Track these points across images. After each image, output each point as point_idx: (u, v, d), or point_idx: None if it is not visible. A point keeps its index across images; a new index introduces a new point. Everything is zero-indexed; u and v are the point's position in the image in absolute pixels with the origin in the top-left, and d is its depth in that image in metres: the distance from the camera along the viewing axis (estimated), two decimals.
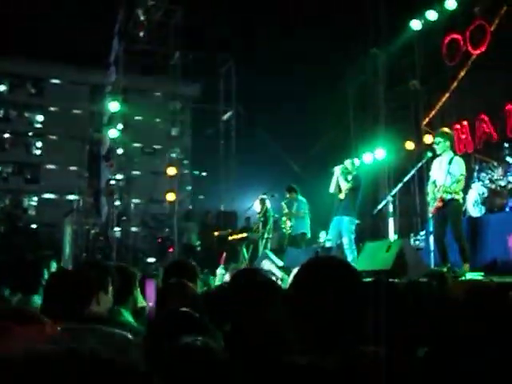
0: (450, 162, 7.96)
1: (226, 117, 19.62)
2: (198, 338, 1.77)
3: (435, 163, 8.40)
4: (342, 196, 9.90)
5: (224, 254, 11.61)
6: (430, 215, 8.34)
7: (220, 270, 8.68)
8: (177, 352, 1.71)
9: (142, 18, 17.04)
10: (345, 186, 9.87)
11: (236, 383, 1.70)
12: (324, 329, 1.78)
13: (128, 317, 3.68)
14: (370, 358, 1.69)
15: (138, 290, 4.11)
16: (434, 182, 8.24)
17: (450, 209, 7.94)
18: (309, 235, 11.94)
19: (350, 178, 9.95)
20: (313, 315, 1.79)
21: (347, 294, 1.83)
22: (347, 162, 10.15)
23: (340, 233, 9.83)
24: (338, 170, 10.02)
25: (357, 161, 10.29)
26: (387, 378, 1.64)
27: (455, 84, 14.62)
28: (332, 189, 10.12)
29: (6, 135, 45.09)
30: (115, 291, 3.36)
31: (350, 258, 9.17)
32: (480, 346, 2.20)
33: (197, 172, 19.84)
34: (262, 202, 12.90)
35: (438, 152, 8.28)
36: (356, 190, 10.03)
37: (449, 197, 7.92)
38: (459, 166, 8.00)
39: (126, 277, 3.83)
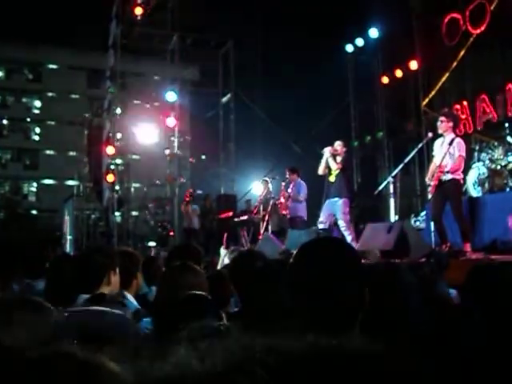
0: (450, 143, 7.94)
1: (224, 99, 19.55)
2: (220, 323, 1.78)
3: (437, 144, 8.38)
4: (332, 178, 9.87)
5: (225, 235, 11.63)
6: (430, 195, 8.35)
7: (222, 251, 8.71)
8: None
9: (139, 0, 16.92)
10: (335, 167, 9.83)
11: None
12: (324, 309, 1.77)
13: (132, 300, 3.71)
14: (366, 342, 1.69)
15: (142, 274, 4.13)
16: (435, 163, 8.24)
17: (450, 188, 7.93)
18: (305, 218, 11.91)
19: (339, 159, 9.90)
20: (313, 295, 1.79)
21: (347, 274, 1.82)
22: (337, 144, 10.10)
23: (333, 215, 9.84)
24: (327, 151, 9.93)
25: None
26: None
27: (455, 64, 14.57)
28: (321, 170, 10.05)
29: (4, 121, 44.98)
30: (120, 275, 3.38)
31: (348, 239, 9.17)
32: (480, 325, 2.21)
33: (196, 155, 19.78)
34: (265, 183, 12.88)
35: (440, 131, 8.26)
36: (346, 170, 10.03)
37: (448, 177, 7.91)
38: (459, 147, 7.98)
39: (131, 261, 3.85)
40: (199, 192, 17.26)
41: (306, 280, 1.81)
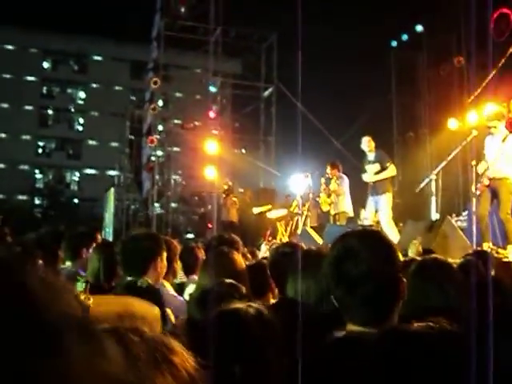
0: (503, 140, 7.75)
1: (266, 93, 19.53)
2: (250, 304, 1.77)
3: (488, 141, 8.19)
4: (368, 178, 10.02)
5: (268, 231, 11.64)
6: (478, 193, 8.17)
7: (263, 247, 8.72)
8: (228, 316, 1.71)
9: None
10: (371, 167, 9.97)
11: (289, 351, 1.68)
12: (363, 297, 1.77)
13: (169, 288, 3.72)
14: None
15: (179, 263, 4.16)
16: (487, 161, 8.06)
17: (501, 187, 7.74)
18: (350, 214, 11.75)
19: (372, 157, 9.99)
20: (353, 284, 1.79)
21: (385, 264, 1.83)
22: (365, 140, 10.16)
23: (376, 211, 9.83)
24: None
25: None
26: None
27: (503, 61, 14.21)
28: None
29: (50, 111, 45.90)
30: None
31: (389, 235, 9.11)
32: None
33: (236, 149, 19.81)
34: (304, 178, 12.79)
35: (493, 133, 8.07)
36: (383, 167, 10.01)
37: (500, 175, 7.73)
38: None
39: (169, 249, 3.87)
40: (240, 190, 17.29)
41: (345, 269, 1.81)
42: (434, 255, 3.14)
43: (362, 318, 1.78)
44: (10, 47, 42.60)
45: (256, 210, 15.17)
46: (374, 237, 1.97)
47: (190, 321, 2.36)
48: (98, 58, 45.21)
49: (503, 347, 1.94)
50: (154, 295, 2.64)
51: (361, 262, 1.78)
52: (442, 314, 1.47)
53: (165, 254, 3.30)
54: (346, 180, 11.67)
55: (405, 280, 1.86)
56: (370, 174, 10.01)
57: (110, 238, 17.38)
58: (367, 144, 10.14)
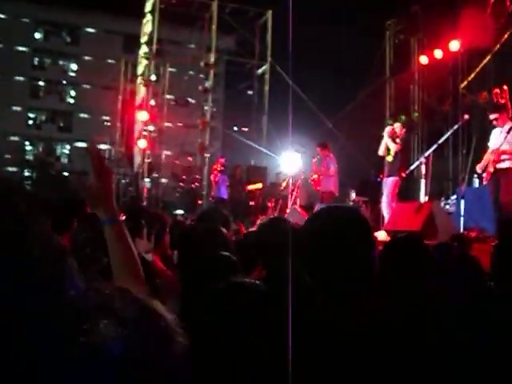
0: (509, 131, 7.80)
1: (260, 71, 19.43)
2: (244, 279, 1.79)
3: (494, 133, 8.26)
4: (389, 158, 10.17)
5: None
6: (484, 182, 8.30)
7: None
8: (227, 290, 1.72)
9: None
10: (394, 148, 10.08)
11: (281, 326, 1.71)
12: (337, 269, 1.80)
13: (158, 262, 3.75)
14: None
15: (169, 236, 4.18)
16: (492, 152, 8.11)
17: (504, 175, 7.83)
18: (336, 193, 11.88)
19: (398, 140, 10.18)
20: (326, 257, 1.82)
21: (358, 238, 1.86)
22: (396, 125, 10.42)
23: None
24: (387, 132, 10.29)
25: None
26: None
27: (497, 47, 14.20)
28: (381, 151, 10.41)
29: (41, 83, 45.46)
30: (148, 237, 3.41)
31: (386, 218, 9.60)
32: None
33: (228, 126, 19.75)
34: (295, 157, 12.84)
35: (499, 126, 8.13)
36: (404, 150, 10.45)
37: (504, 165, 7.80)
38: None
39: (160, 223, 3.89)
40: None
41: (319, 242, 1.85)
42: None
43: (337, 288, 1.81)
44: (1, 16, 42.01)
45: (249, 188, 15.21)
46: (347, 212, 2.01)
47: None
48: (91, 30, 44.71)
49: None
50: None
51: (334, 235, 1.83)
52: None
53: (144, 233, 3.30)
54: (334, 160, 11.77)
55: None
56: None
57: None
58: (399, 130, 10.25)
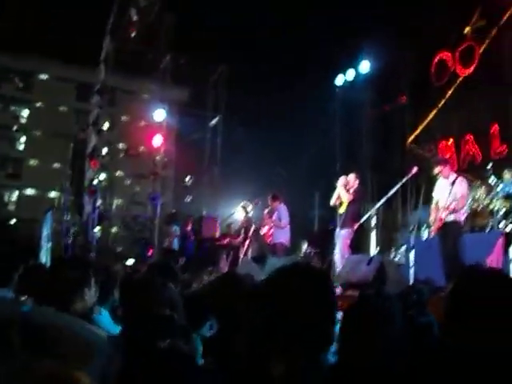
0: (453, 183, 8.05)
1: (214, 122, 19.58)
2: (175, 342, 1.74)
3: (438, 184, 8.50)
4: (341, 210, 10.07)
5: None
6: (432, 234, 8.46)
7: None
8: (154, 356, 1.68)
9: (134, 18, 16.98)
10: (346, 198, 10.00)
11: None
12: (295, 333, 1.76)
13: (107, 316, 3.63)
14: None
15: (119, 290, 4.06)
16: (437, 203, 8.33)
17: (451, 228, 8.02)
18: (287, 244, 11.86)
19: (351, 190, 10.11)
20: (283, 322, 1.77)
21: (316, 300, 1.83)
22: (350, 176, 10.30)
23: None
24: (340, 183, 10.19)
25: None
26: None
27: (442, 102, 14.75)
28: (332, 202, 10.30)
29: None
30: (98, 289, 3.31)
31: (338, 270, 9.35)
32: None
33: (180, 176, 19.71)
34: (244, 209, 12.88)
35: (442, 177, 8.39)
36: (356, 202, 10.17)
37: (451, 218, 8.01)
38: (461, 186, 8.11)
39: (109, 276, 3.79)
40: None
41: (275, 308, 1.79)
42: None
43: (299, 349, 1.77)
44: None
45: (198, 238, 15.11)
46: (304, 272, 1.95)
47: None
48: (44, 76, 44.44)
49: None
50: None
51: (290, 300, 1.79)
52: None
53: (92, 284, 3.18)
54: (285, 211, 11.79)
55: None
56: None
57: (47, 261, 16.86)
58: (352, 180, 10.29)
